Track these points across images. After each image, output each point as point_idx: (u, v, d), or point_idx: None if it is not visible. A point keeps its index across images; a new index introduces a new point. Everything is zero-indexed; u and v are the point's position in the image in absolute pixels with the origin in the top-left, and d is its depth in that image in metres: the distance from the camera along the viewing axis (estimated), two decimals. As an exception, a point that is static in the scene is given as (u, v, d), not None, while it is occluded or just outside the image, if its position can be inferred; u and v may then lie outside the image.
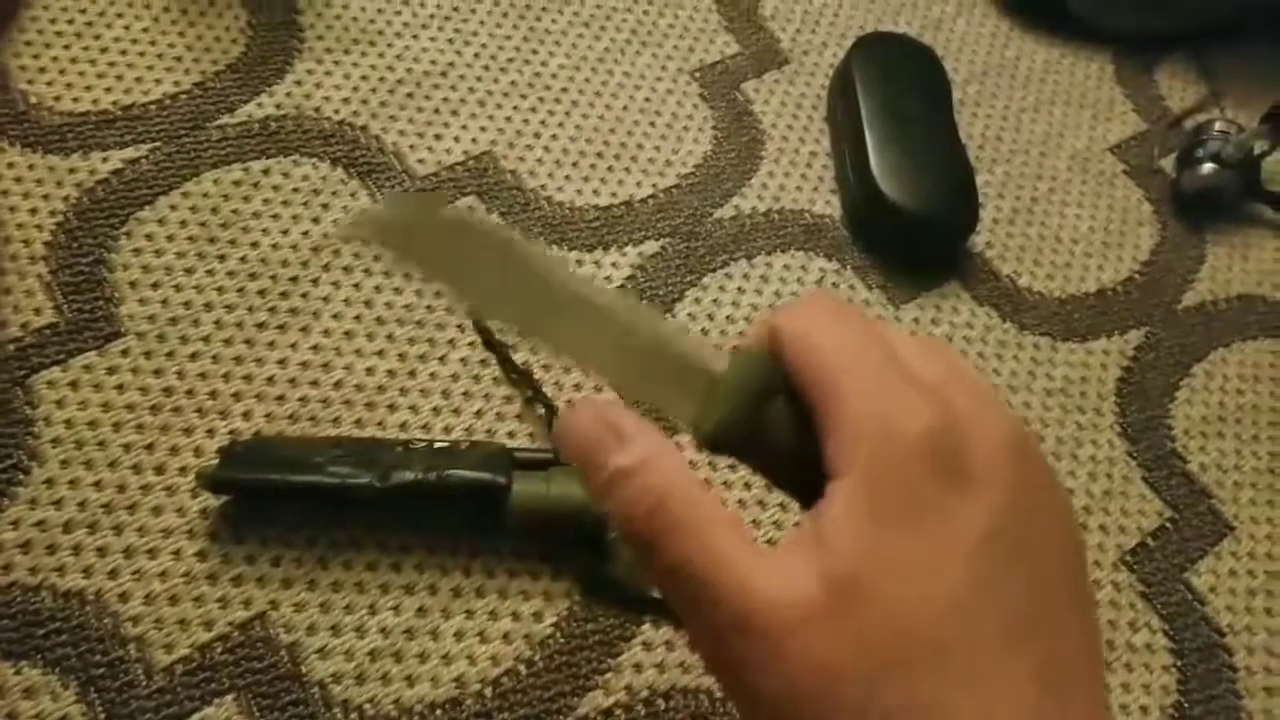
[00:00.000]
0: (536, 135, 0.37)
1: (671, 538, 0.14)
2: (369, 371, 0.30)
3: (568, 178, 0.36)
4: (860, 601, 0.13)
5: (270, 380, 0.30)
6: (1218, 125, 0.39)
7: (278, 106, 0.35)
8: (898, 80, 0.38)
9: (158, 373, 0.29)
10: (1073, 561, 0.15)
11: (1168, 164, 0.41)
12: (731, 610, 0.13)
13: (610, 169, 0.36)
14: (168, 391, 0.29)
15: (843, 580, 0.13)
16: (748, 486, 0.30)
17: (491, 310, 0.17)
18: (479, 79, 0.38)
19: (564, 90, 0.38)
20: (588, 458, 0.15)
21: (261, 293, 0.31)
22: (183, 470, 0.28)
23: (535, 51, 0.39)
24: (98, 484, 0.27)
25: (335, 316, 0.31)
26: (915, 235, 0.36)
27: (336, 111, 0.35)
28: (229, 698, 0.25)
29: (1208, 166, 0.39)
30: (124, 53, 0.35)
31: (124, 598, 0.26)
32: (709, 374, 0.15)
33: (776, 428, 0.15)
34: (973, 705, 0.12)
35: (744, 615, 0.13)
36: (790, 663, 0.13)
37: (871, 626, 0.13)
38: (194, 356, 0.29)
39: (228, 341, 0.30)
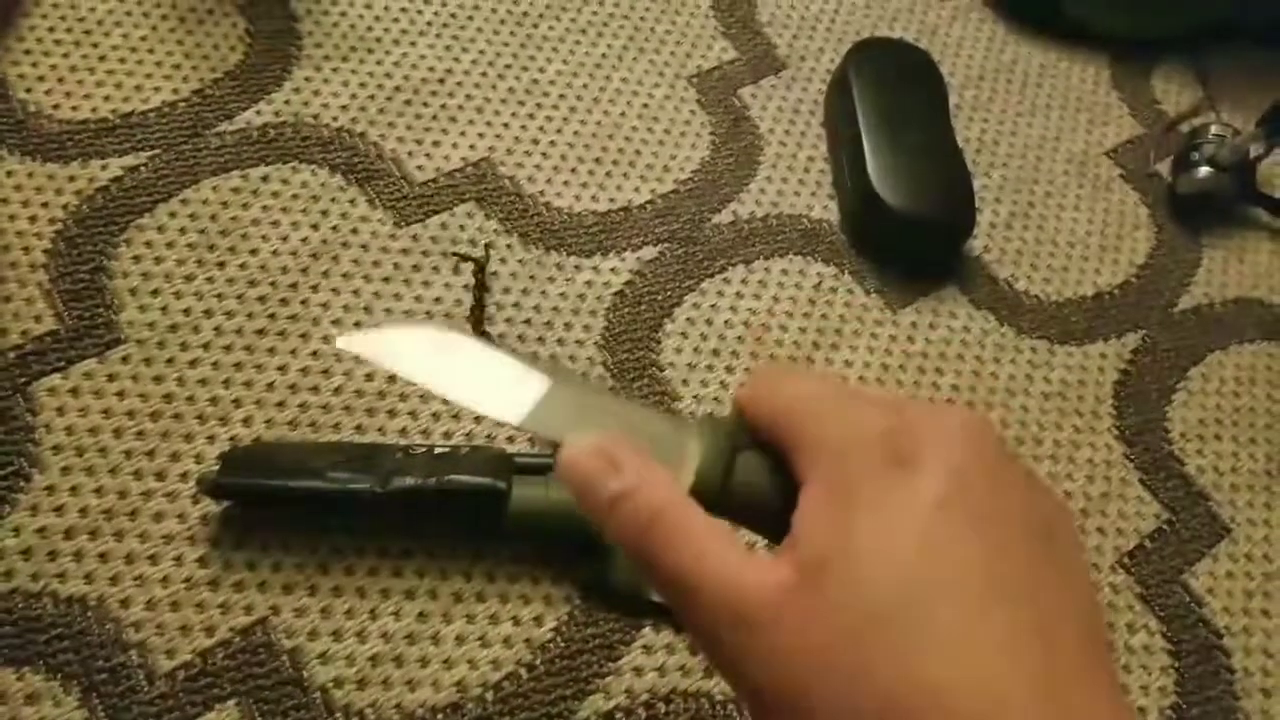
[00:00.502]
0: (535, 141, 0.37)
1: (666, 549, 0.15)
2: (368, 377, 0.30)
3: (566, 184, 0.36)
4: (829, 579, 0.14)
5: (270, 386, 0.30)
6: (1213, 129, 0.40)
7: (276, 114, 0.35)
8: (895, 85, 0.38)
9: (158, 379, 0.29)
10: (1043, 528, 0.15)
11: (1164, 168, 0.42)
12: (725, 606, 0.14)
13: (608, 175, 0.37)
14: (168, 398, 0.29)
15: (812, 563, 0.14)
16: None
17: (470, 403, 0.18)
18: (477, 85, 0.38)
19: (562, 96, 0.38)
20: (587, 488, 0.16)
21: (261, 299, 0.31)
22: (183, 476, 0.28)
23: (533, 58, 0.39)
24: (99, 490, 0.27)
25: (335, 322, 0.31)
26: (913, 239, 0.36)
27: (335, 118, 0.36)
28: (231, 703, 0.25)
29: (1203, 170, 0.39)
30: (123, 60, 0.35)
31: (125, 604, 0.26)
32: (681, 443, 0.17)
33: (751, 477, 0.17)
34: (948, 660, 0.13)
35: (736, 608, 0.14)
36: (780, 647, 0.14)
37: (843, 599, 0.14)
38: (194, 363, 0.30)
39: (227, 348, 0.30)
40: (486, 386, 0.17)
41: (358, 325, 0.31)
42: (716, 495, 0.17)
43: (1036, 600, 0.14)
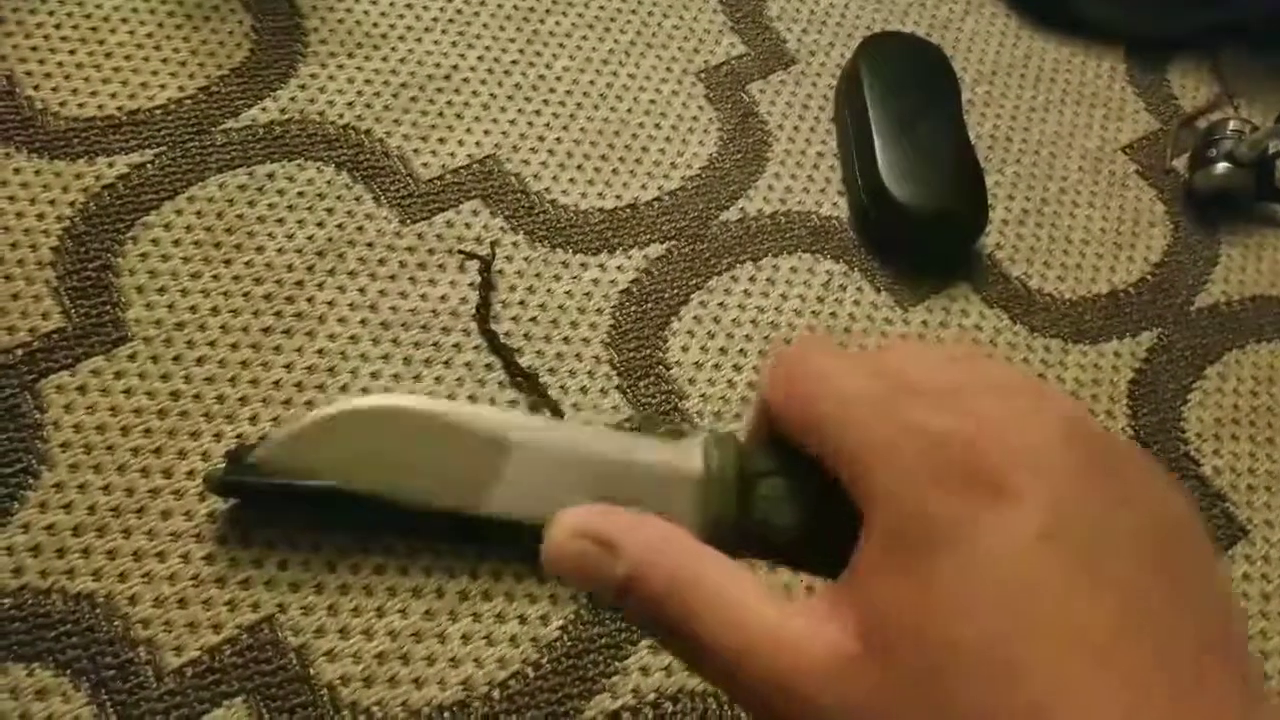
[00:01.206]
0: (541, 138, 0.36)
1: (693, 625, 0.13)
2: (374, 376, 0.30)
3: (572, 181, 0.36)
4: (904, 648, 0.11)
5: (276, 384, 0.30)
6: (1231, 124, 0.39)
7: (282, 111, 0.35)
8: (906, 80, 0.38)
9: (165, 377, 0.29)
10: (1162, 553, 0.12)
11: (1180, 164, 0.41)
12: (771, 677, 0.12)
13: (615, 171, 0.36)
14: (175, 396, 0.29)
15: (878, 628, 0.12)
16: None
17: (425, 497, 0.14)
18: (483, 82, 0.37)
19: (568, 93, 0.38)
20: (586, 582, 0.14)
21: (267, 297, 0.31)
22: (190, 474, 0.28)
23: (539, 54, 0.39)
24: (106, 488, 0.27)
25: (340, 321, 0.31)
26: (924, 236, 0.36)
27: (341, 115, 0.35)
28: (238, 700, 0.25)
29: (1221, 166, 0.38)
30: (129, 57, 0.35)
31: (133, 600, 0.26)
32: (685, 477, 0.14)
33: (774, 506, 0.14)
34: None
35: (784, 678, 0.12)
36: None
37: (924, 671, 0.11)
38: (200, 361, 0.30)
39: (234, 346, 0.30)
40: (437, 469, 0.14)
41: (363, 324, 0.31)
42: (735, 534, 0.14)
43: (1164, 652, 0.11)
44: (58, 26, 0.35)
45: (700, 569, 0.13)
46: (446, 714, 0.26)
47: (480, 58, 0.38)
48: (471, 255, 0.33)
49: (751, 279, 0.35)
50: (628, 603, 0.13)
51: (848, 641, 0.12)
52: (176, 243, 0.32)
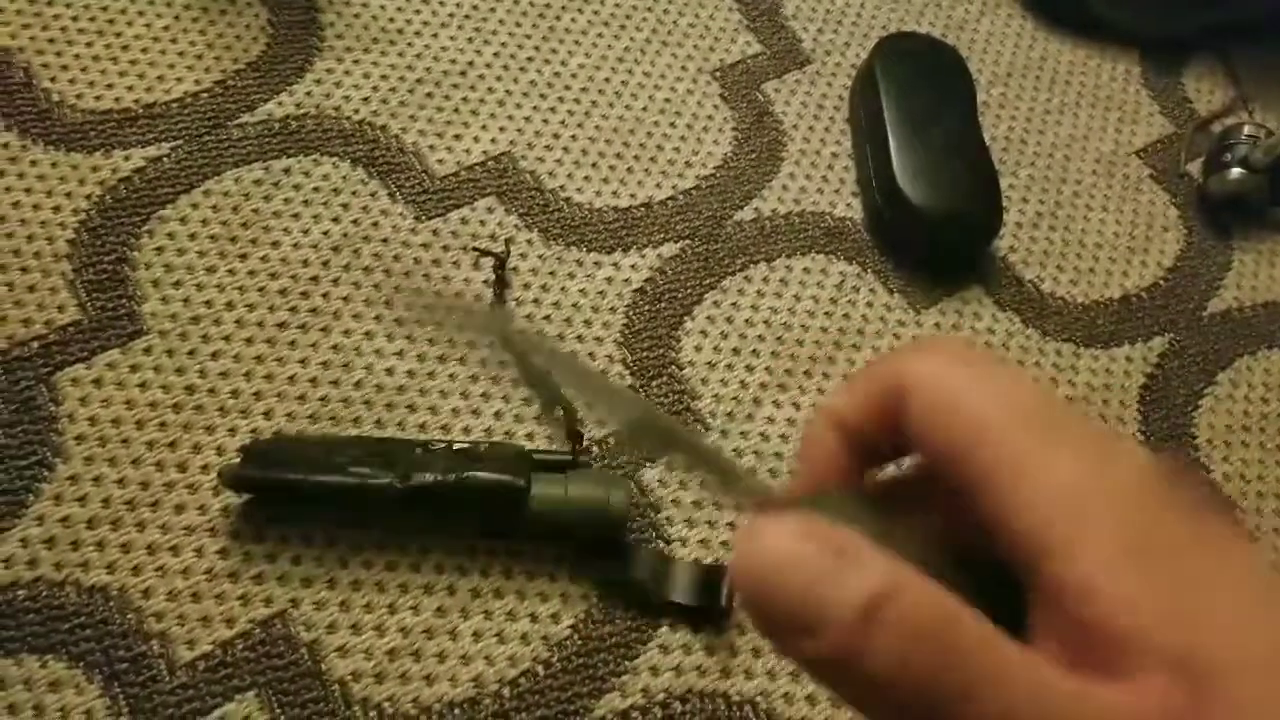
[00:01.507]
0: (556, 135, 0.36)
1: (960, 676, 0.10)
2: (389, 372, 0.30)
3: (587, 179, 0.36)
4: (1231, 681, 0.09)
5: (291, 379, 0.30)
6: (1246, 129, 0.39)
7: (298, 105, 0.35)
8: (921, 81, 0.37)
9: (180, 371, 0.29)
10: None
11: (1195, 168, 0.41)
12: None
13: (630, 170, 0.36)
14: (189, 390, 0.29)
15: (1192, 660, 0.09)
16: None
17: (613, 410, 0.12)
18: (499, 78, 0.37)
19: (584, 90, 0.38)
20: (800, 600, 0.10)
21: (282, 292, 0.31)
22: (204, 468, 0.28)
23: (555, 51, 0.39)
24: (121, 481, 0.27)
25: (355, 317, 0.31)
26: (938, 238, 0.35)
27: (356, 111, 0.35)
28: (250, 694, 0.25)
29: (1235, 171, 0.38)
30: (145, 50, 0.35)
31: (147, 594, 0.26)
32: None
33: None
34: None
35: None
36: None
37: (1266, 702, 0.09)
38: (215, 355, 0.30)
39: (249, 341, 0.30)
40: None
41: (377, 320, 0.31)
42: None
43: None
44: (75, 19, 0.35)
45: (969, 614, 0.10)
46: (457, 711, 0.26)
47: (496, 54, 0.38)
48: (486, 252, 0.33)
49: (765, 279, 0.35)
50: (874, 631, 0.10)
51: (1165, 689, 0.09)
52: (192, 236, 0.32)
